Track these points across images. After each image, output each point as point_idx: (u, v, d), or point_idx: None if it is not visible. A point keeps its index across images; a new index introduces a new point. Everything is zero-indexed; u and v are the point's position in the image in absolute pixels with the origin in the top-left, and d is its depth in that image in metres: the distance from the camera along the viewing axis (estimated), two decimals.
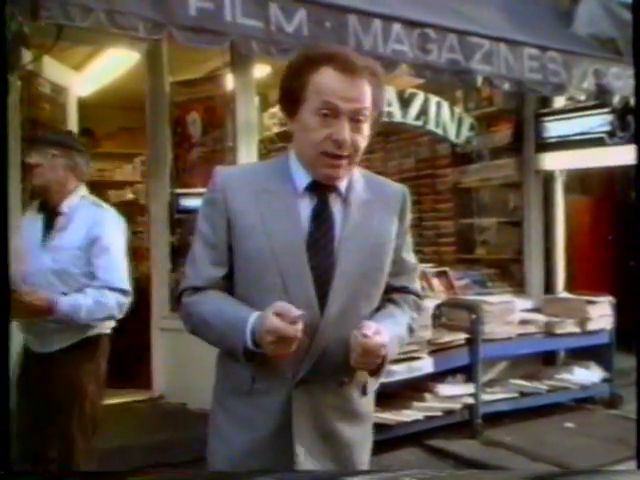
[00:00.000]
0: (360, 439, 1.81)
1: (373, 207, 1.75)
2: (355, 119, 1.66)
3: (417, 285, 1.92)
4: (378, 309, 1.79)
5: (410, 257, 1.87)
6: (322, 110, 1.64)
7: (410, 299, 1.86)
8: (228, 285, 1.73)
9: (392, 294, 1.83)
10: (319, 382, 1.69)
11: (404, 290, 1.85)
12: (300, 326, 1.54)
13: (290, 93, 1.70)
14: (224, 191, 1.72)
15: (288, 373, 1.67)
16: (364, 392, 1.79)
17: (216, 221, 1.72)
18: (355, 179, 1.77)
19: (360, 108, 1.66)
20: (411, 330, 1.83)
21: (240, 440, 1.73)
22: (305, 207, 1.71)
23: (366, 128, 1.69)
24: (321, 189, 1.72)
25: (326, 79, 1.65)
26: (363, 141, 1.69)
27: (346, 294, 1.68)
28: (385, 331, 1.63)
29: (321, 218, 1.71)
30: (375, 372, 1.71)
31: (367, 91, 1.67)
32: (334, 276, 1.67)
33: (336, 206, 1.73)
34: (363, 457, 1.83)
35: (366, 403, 1.82)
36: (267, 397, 1.70)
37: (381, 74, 1.74)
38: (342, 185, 1.74)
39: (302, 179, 1.72)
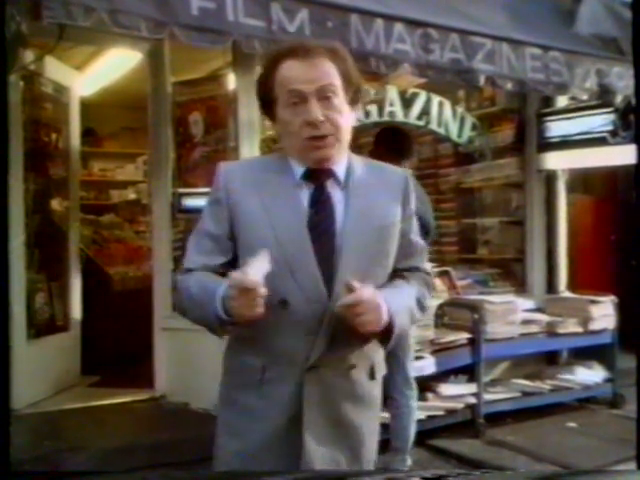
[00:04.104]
0: (369, 425, 1.82)
1: (375, 190, 1.77)
2: (324, 97, 1.68)
3: (427, 265, 1.93)
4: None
5: (417, 239, 1.89)
6: (291, 100, 1.68)
7: (418, 275, 1.87)
8: (225, 273, 1.73)
9: (402, 273, 1.84)
10: (329, 366, 1.70)
11: (415, 269, 1.87)
12: (260, 279, 1.52)
13: (264, 97, 1.76)
14: (226, 184, 1.76)
15: (299, 358, 1.68)
16: (372, 376, 1.80)
17: (218, 213, 1.76)
18: (354, 165, 1.79)
19: (324, 85, 1.68)
20: (422, 305, 1.82)
21: (253, 434, 1.73)
22: (304, 195, 1.73)
23: (341, 104, 1.71)
24: (318, 176, 1.74)
25: (286, 71, 1.69)
26: (341, 117, 1.71)
27: (354, 277, 1.66)
28: (376, 291, 1.64)
29: (319, 203, 1.73)
30: (385, 338, 1.70)
31: (328, 68, 1.70)
32: (340, 259, 1.68)
33: (335, 191, 1.75)
34: (372, 444, 1.84)
35: (374, 388, 1.83)
36: (278, 386, 1.70)
37: (342, 50, 1.76)
38: (339, 170, 1.76)
39: (299, 169, 1.75)
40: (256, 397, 1.73)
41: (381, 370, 1.86)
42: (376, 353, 1.82)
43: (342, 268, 1.68)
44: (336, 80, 1.70)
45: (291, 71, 1.69)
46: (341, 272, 1.68)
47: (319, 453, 1.70)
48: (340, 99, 1.71)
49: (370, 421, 1.83)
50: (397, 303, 1.69)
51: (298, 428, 1.68)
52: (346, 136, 1.74)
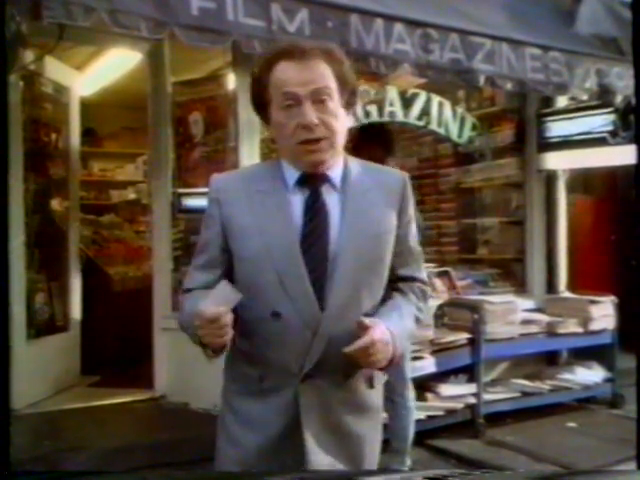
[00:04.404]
0: (369, 433, 1.80)
1: (372, 195, 1.74)
2: (319, 100, 1.66)
3: (424, 273, 1.90)
4: (383, 300, 1.78)
5: (415, 245, 1.85)
6: (285, 102, 1.66)
7: (416, 288, 1.84)
8: None
9: (399, 283, 1.82)
10: (325, 376, 1.69)
11: (411, 279, 1.84)
12: (223, 313, 1.54)
13: (258, 100, 1.74)
14: (218, 196, 1.76)
15: (294, 368, 1.67)
16: (371, 385, 1.78)
17: (211, 226, 1.77)
18: (351, 168, 1.76)
19: (319, 87, 1.66)
20: (418, 320, 1.81)
21: (251, 441, 1.72)
22: (297, 202, 1.71)
23: (336, 107, 1.68)
24: (312, 181, 1.72)
25: (280, 73, 1.67)
26: (336, 121, 1.68)
27: (348, 285, 1.67)
28: (384, 325, 1.64)
29: (313, 209, 1.70)
30: (387, 366, 1.69)
31: (324, 70, 1.67)
32: (333, 267, 1.66)
33: (330, 196, 1.72)
34: (373, 452, 1.82)
35: (374, 396, 1.81)
36: (276, 395, 1.70)
37: (337, 51, 1.74)
38: (334, 174, 1.74)
39: (292, 175, 1.73)
40: (254, 406, 1.73)
41: (381, 379, 1.84)
42: None
43: (337, 278, 1.66)
44: (331, 83, 1.67)
45: (286, 73, 1.66)
46: (336, 282, 1.66)
47: (319, 459, 1.69)
48: (335, 102, 1.68)
49: (371, 430, 1.81)
50: (400, 330, 1.69)
51: (295, 437, 1.68)
52: (340, 140, 1.71)
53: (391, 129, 4.10)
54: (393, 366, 1.70)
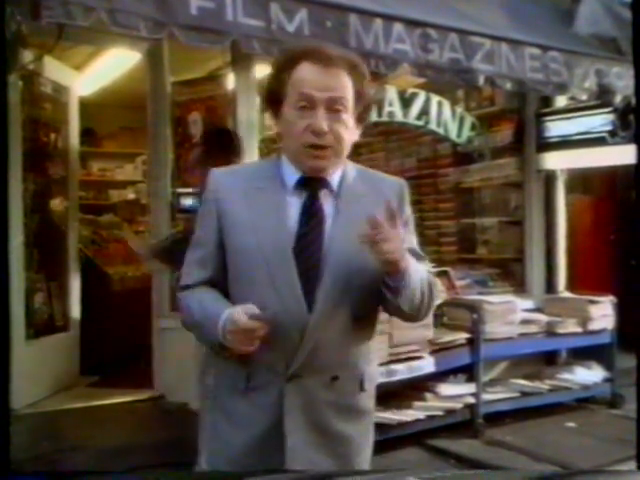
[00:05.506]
0: (358, 436, 1.79)
1: (367, 201, 1.72)
2: (334, 109, 1.66)
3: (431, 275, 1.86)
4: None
5: (416, 247, 1.83)
6: (300, 102, 1.66)
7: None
8: (220, 281, 1.75)
9: None
10: (312, 376, 1.69)
11: None
12: (258, 323, 1.55)
13: (273, 93, 1.73)
14: (216, 191, 1.76)
15: (280, 367, 1.67)
16: (362, 387, 1.78)
17: (207, 222, 1.76)
18: (348, 174, 1.77)
19: (336, 97, 1.66)
20: (430, 290, 1.74)
21: (239, 439, 1.73)
22: (295, 203, 1.71)
23: (348, 119, 1.69)
24: (311, 185, 1.72)
25: (302, 73, 1.67)
26: (346, 132, 1.69)
27: (337, 290, 1.67)
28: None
29: (309, 213, 1.70)
30: (394, 273, 1.61)
31: (344, 81, 1.68)
32: (325, 271, 1.66)
33: (328, 202, 1.72)
34: (362, 455, 1.81)
35: (364, 399, 1.80)
36: (262, 394, 1.70)
37: (361, 65, 1.74)
38: (333, 180, 1.74)
39: (292, 176, 1.73)
40: (242, 404, 1.73)
41: (372, 381, 1.83)
42: (366, 364, 1.80)
43: (325, 282, 1.66)
44: (349, 94, 1.68)
45: (307, 74, 1.66)
46: (323, 286, 1.66)
47: (302, 459, 1.69)
48: (348, 114, 1.69)
49: (360, 434, 1.80)
50: (410, 260, 1.64)
51: (280, 437, 1.68)
52: (345, 151, 1.72)
53: (234, 132, 4.03)
54: (398, 275, 1.62)
